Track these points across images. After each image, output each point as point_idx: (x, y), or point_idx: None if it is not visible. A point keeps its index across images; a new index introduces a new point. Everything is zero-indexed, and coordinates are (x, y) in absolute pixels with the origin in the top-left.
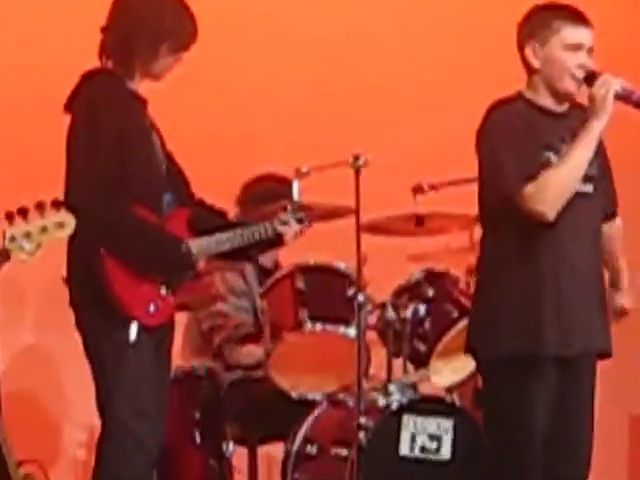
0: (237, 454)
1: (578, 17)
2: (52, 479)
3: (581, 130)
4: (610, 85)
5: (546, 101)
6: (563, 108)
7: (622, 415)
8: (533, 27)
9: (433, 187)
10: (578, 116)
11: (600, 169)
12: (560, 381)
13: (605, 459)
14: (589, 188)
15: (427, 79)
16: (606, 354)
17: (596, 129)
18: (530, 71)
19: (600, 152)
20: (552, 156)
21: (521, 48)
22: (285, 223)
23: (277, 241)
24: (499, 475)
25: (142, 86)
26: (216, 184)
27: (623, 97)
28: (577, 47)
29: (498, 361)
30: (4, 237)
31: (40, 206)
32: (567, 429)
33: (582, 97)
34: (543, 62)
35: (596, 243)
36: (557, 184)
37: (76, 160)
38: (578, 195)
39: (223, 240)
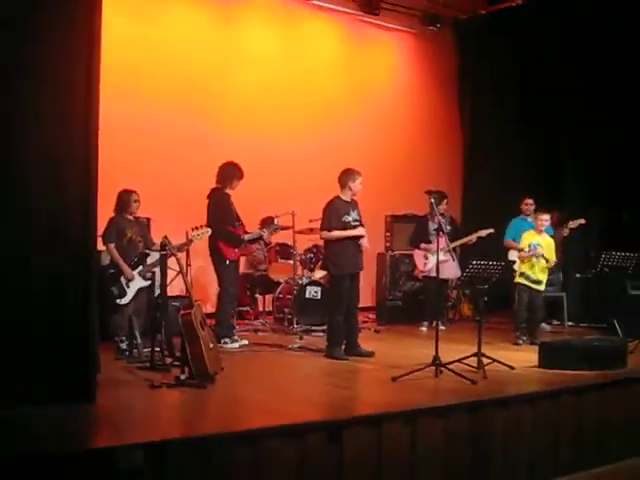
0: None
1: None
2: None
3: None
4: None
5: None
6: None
7: None
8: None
9: (314, 220)
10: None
11: None
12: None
13: None
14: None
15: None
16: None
17: (348, 234)
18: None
19: None
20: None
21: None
22: (263, 234)
23: (261, 238)
24: (329, 298)
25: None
26: (249, 218)
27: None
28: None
29: (331, 274)
30: (189, 235)
31: (201, 226)
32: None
33: None
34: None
35: None
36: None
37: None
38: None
39: (249, 236)
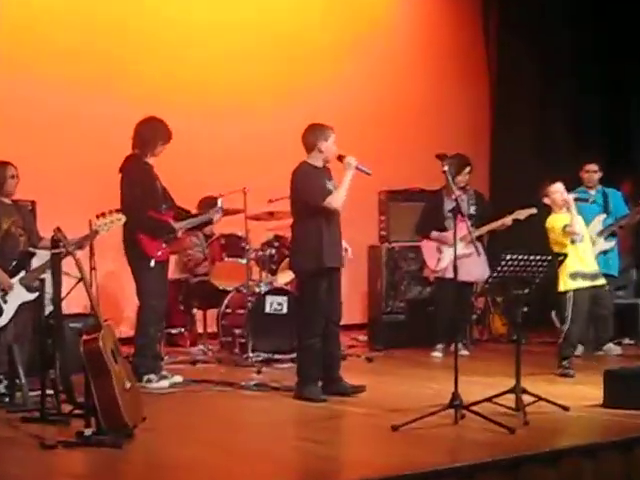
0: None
1: None
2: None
3: (344, 177)
4: (351, 163)
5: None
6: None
7: None
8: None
9: (275, 200)
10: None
11: None
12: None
13: None
14: None
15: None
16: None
17: (349, 176)
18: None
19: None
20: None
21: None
22: (212, 217)
23: (209, 223)
24: (301, 319)
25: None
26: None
27: (358, 169)
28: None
29: (301, 272)
30: (93, 225)
31: (110, 212)
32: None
33: None
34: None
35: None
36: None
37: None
38: None
39: (188, 223)
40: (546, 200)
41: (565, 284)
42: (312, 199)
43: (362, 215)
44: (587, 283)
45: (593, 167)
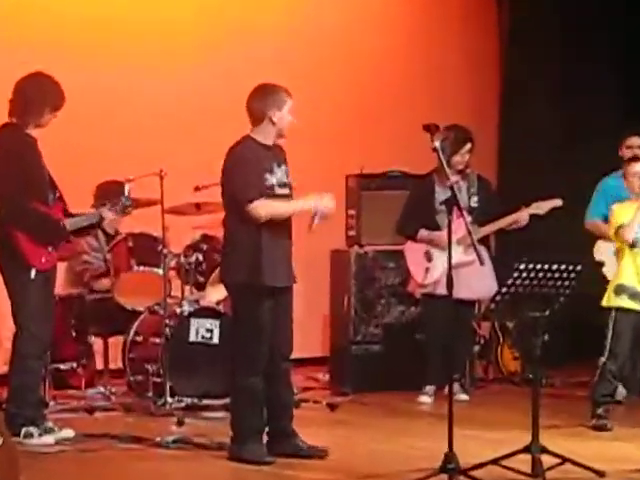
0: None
1: None
2: None
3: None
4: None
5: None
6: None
7: None
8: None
9: (204, 187)
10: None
11: None
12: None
13: None
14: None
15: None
16: None
17: (306, 206)
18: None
19: None
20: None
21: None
22: (103, 214)
23: (100, 222)
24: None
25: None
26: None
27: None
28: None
29: (233, 287)
30: None
31: None
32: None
33: None
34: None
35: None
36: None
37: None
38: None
39: (78, 221)
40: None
41: (608, 298)
42: (240, 193)
43: None
44: (637, 305)
45: (638, 141)
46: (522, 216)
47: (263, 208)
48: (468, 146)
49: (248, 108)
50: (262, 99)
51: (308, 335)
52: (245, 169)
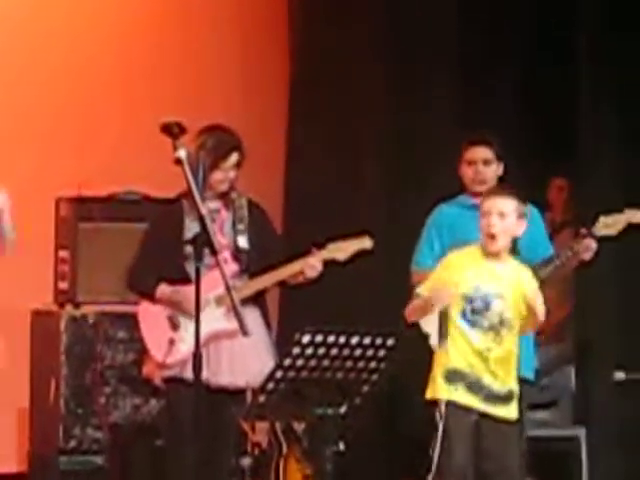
0: None
1: None
2: None
3: None
4: None
5: None
6: None
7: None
8: None
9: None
10: None
11: None
12: None
13: None
14: None
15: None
16: None
17: None
18: None
19: None
20: None
21: None
22: None
23: None
24: None
25: None
26: None
27: None
28: None
29: None
30: None
31: None
32: None
33: None
34: None
35: None
36: None
37: None
38: None
39: None
40: None
41: (432, 389)
42: None
43: (19, 249)
44: (467, 402)
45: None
46: (312, 263)
47: None
48: (234, 157)
49: None
50: None
51: None
52: None
